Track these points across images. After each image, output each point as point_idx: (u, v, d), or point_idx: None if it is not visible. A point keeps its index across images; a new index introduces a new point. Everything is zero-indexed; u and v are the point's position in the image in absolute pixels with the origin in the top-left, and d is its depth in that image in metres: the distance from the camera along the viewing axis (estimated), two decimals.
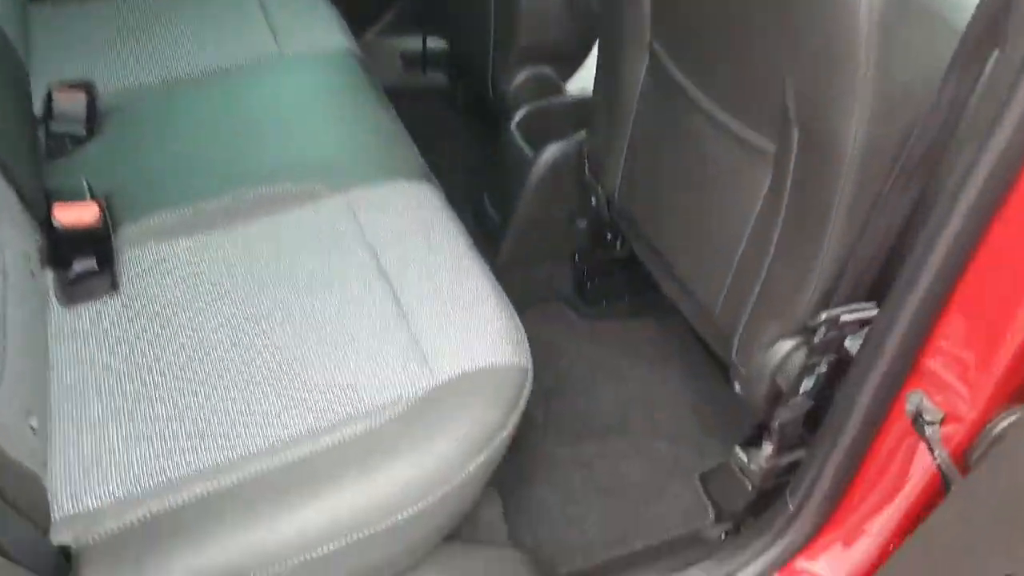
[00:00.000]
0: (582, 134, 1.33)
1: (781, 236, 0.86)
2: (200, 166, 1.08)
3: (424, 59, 1.86)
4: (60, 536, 0.71)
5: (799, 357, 0.89)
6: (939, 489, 0.75)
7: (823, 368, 0.88)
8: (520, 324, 0.93)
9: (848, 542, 0.82)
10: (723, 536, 1.08)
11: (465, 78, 1.83)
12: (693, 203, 1.00)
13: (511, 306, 0.95)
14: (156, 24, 1.32)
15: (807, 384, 0.90)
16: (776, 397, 0.94)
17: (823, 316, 0.82)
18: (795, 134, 0.80)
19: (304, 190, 1.05)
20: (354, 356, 0.85)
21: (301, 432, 0.79)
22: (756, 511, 1.04)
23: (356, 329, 0.88)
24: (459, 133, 1.86)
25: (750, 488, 1.04)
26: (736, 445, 1.06)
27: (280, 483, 0.75)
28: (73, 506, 0.73)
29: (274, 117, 1.17)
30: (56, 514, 0.73)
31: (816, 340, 0.85)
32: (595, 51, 1.40)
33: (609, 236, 1.43)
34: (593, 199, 1.30)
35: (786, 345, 0.91)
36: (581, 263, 1.47)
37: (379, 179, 1.08)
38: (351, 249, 0.98)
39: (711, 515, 1.15)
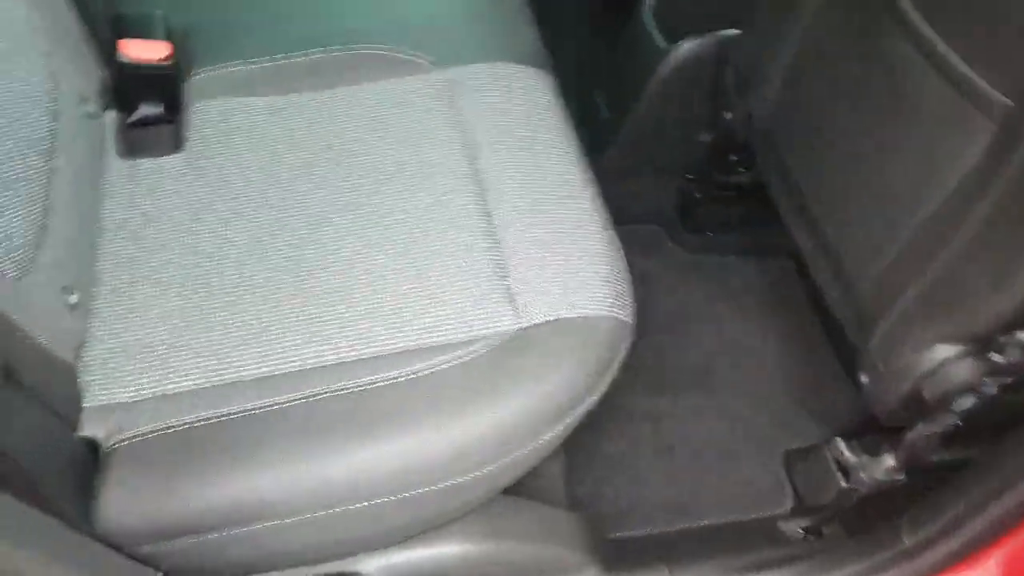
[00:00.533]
0: (728, 32, 1.11)
1: (986, 218, 0.67)
2: (290, 11, 0.92)
3: None
4: (88, 429, 0.62)
5: (962, 370, 0.72)
6: None
7: (991, 391, 0.71)
8: (627, 268, 0.77)
9: None
10: (803, 535, 0.95)
11: None
12: (871, 147, 0.80)
13: (618, 243, 0.79)
14: None
15: (964, 404, 0.73)
16: (914, 405, 0.78)
17: (1020, 336, 0.64)
18: None
19: (401, 58, 0.88)
20: (434, 276, 0.71)
21: (364, 357, 0.66)
22: (846, 519, 0.91)
23: (440, 242, 0.74)
24: (579, 8, 1.63)
25: (845, 487, 0.90)
26: (837, 436, 0.92)
27: (336, 414, 0.64)
28: (107, 397, 0.63)
29: None
30: (86, 403, 0.63)
31: (995, 358, 0.68)
32: None
33: (734, 158, 1.24)
34: (728, 112, 1.10)
35: (947, 351, 0.73)
36: (693, 183, 1.28)
37: (488, 58, 0.90)
38: (445, 139, 0.82)
39: (789, 504, 1.02)
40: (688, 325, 1.22)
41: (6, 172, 0.59)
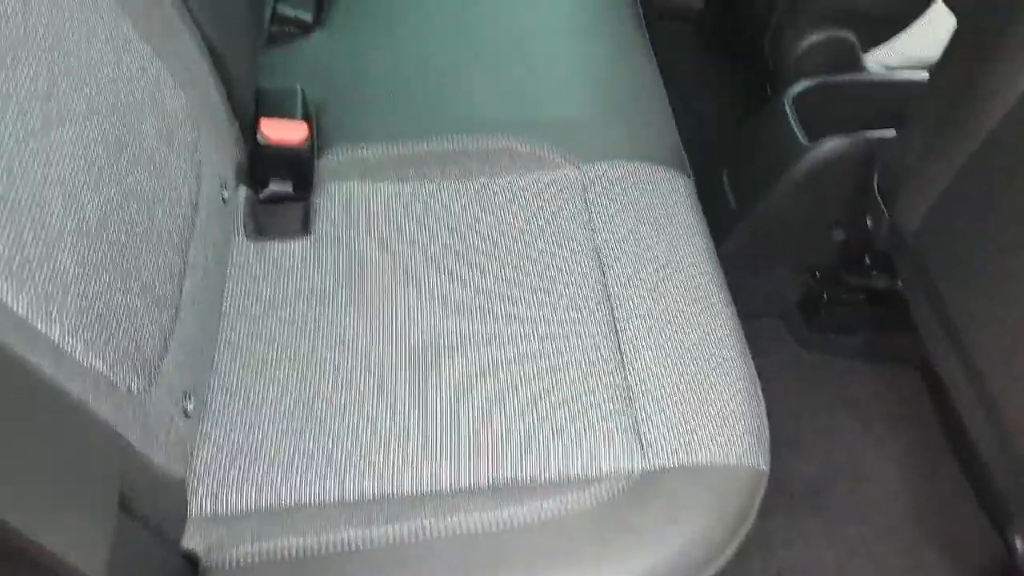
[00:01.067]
0: (879, 133, 1.04)
1: None
2: (423, 90, 0.91)
3: None
4: (190, 541, 0.60)
5: None
6: None
7: None
8: (765, 411, 0.71)
9: None
10: None
11: (729, 7, 1.53)
12: None
13: (758, 382, 0.73)
14: None
15: None
16: None
17: None
18: None
19: (536, 152, 0.85)
20: (561, 398, 0.68)
21: (483, 486, 0.63)
22: None
23: (567, 359, 0.70)
24: (704, 68, 1.58)
25: None
26: None
27: (456, 559, 0.60)
28: (211, 506, 0.62)
29: (519, 43, 0.96)
30: (193, 511, 0.61)
31: None
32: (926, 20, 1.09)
33: (870, 263, 1.17)
34: (869, 220, 1.03)
35: None
36: (821, 282, 1.21)
37: (625, 157, 0.86)
38: (577, 244, 0.79)
39: None
40: (803, 435, 1.14)
41: (144, 276, 0.58)
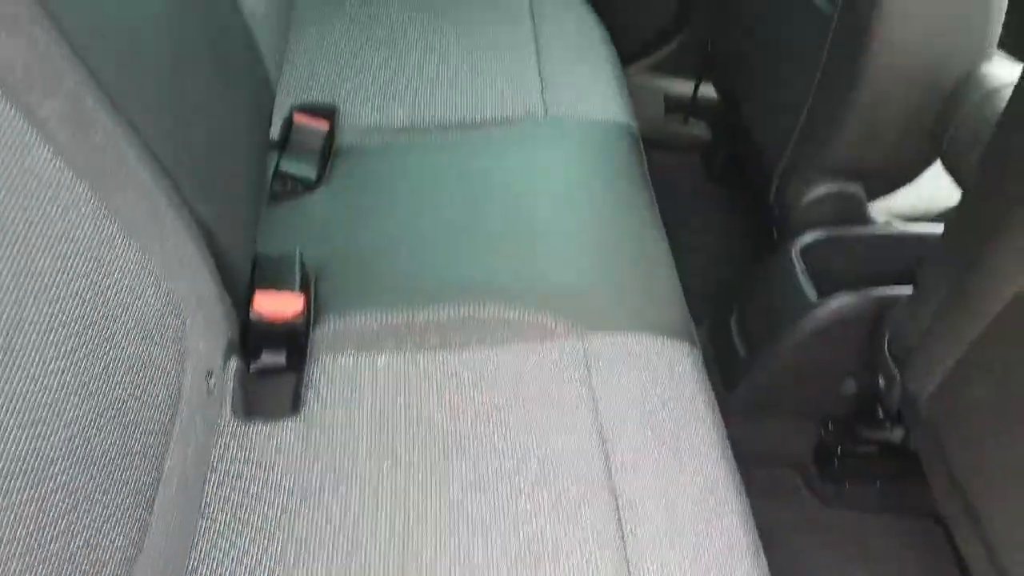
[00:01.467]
0: (890, 291, 1.03)
1: None
2: (424, 253, 0.91)
3: (692, 107, 1.60)
4: None
5: None
6: None
7: None
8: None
9: None
10: None
11: (734, 143, 1.55)
12: None
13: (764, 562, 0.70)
14: (420, 45, 1.16)
15: None
16: None
17: None
18: None
19: (535, 321, 0.84)
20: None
21: None
22: None
23: (566, 564, 0.67)
24: (708, 204, 1.59)
25: None
26: None
27: None
28: None
29: (521, 206, 0.96)
30: None
31: None
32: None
33: (883, 417, 1.13)
34: (881, 378, 1.00)
35: None
36: (834, 433, 1.17)
37: (630, 328, 0.85)
38: (579, 425, 0.77)
39: None
40: None
41: (110, 497, 0.55)
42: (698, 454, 0.76)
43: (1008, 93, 0.76)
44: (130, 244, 0.61)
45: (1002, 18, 0.90)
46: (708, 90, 1.56)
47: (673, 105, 1.63)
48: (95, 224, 0.58)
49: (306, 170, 0.98)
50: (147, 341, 0.62)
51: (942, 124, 0.95)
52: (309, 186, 0.98)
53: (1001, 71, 0.89)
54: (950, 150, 0.94)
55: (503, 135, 1.06)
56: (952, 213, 0.92)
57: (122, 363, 0.58)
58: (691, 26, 1.56)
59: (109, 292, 0.58)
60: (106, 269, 0.58)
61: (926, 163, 1.05)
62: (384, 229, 0.94)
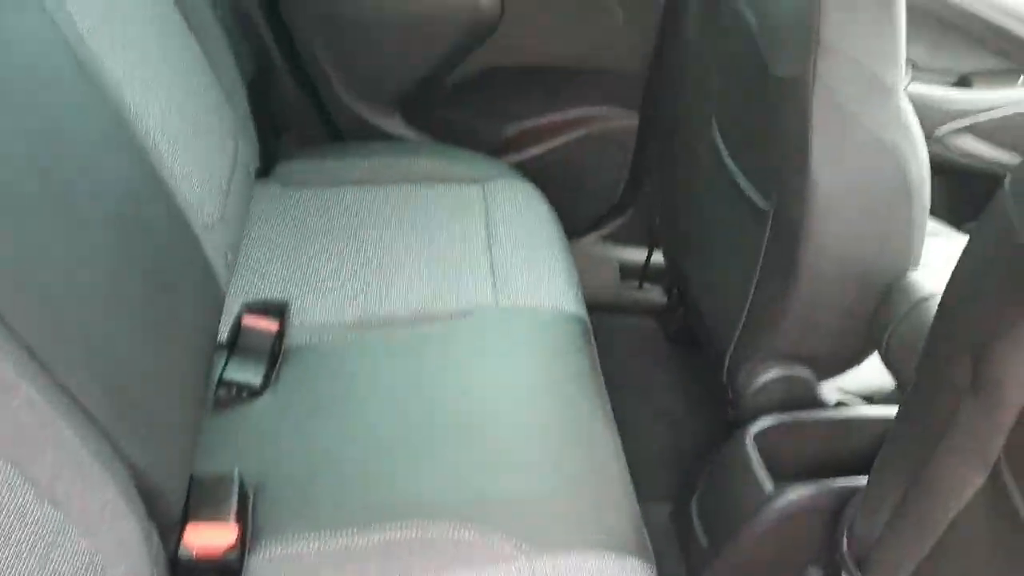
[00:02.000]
0: (848, 482, 1.02)
1: None
2: (368, 469, 0.89)
3: (644, 273, 1.64)
4: None
5: None
6: None
7: None
8: None
9: None
10: None
11: (687, 309, 1.57)
12: None
13: None
14: (371, 239, 1.18)
15: None
16: None
17: None
18: None
19: (483, 541, 0.81)
20: None
21: None
22: None
23: None
24: (669, 367, 1.60)
25: None
26: None
27: None
28: None
29: (472, 413, 0.95)
30: None
31: None
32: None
33: None
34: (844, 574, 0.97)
35: None
36: None
37: (581, 545, 0.83)
38: None
39: None
40: None
41: None
42: None
43: (935, 303, 0.79)
44: (47, 509, 0.59)
45: (924, 233, 0.95)
46: (661, 256, 1.61)
47: (628, 272, 1.68)
48: (10, 492, 0.56)
49: (251, 376, 0.98)
50: None
51: (879, 322, 0.97)
52: (253, 393, 0.97)
53: (927, 282, 0.93)
54: (888, 351, 0.96)
55: (455, 330, 1.07)
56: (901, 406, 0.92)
57: None
58: (638, 204, 1.62)
59: (26, 553, 0.56)
60: (18, 536, 0.56)
61: (868, 351, 1.07)
62: (328, 439, 0.92)
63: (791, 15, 0.90)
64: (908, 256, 0.95)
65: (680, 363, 1.59)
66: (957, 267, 0.74)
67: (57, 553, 0.60)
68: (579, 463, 0.93)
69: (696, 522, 1.16)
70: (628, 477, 0.94)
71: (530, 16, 1.42)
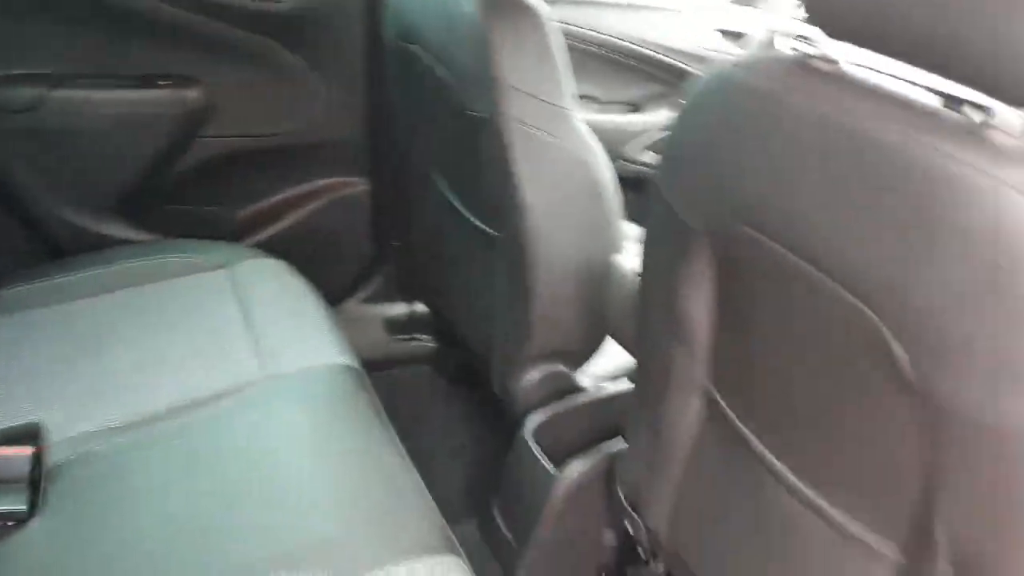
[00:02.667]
0: (609, 445, 1.18)
1: None
2: (169, 559, 0.87)
3: (410, 324, 1.74)
4: None
5: None
6: None
7: None
8: None
9: None
10: None
11: (457, 347, 1.70)
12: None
13: None
14: (118, 342, 1.15)
15: None
16: None
17: None
18: (938, 549, 0.65)
19: None
20: None
21: None
22: None
23: None
24: (452, 405, 1.70)
25: None
26: None
27: None
28: None
29: (258, 475, 0.97)
30: None
31: None
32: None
33: (643, 557, 1.26)
34: (629, 527, 1.12)
35: None
36: None
37: (396, 558, 0.88)
38: None
39: None
40: None
41: None
42: None
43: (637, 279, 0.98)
44: None
45: (620, 222, 1.15)
46: (422, 306, 1.73)
47: (396, 327, 1.77)
48: None
49: (15, 503, 0.92)
50: None
51: (602, 305, 1.16)
52: (23, 519, 0.91)
53: (629, 262, 1.13)
54: (614, 328, 1.15)
55: (227, 409, 1.06)
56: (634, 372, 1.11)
57: None
58: (388, 262, 1.73)
59: None
60: None
61: (604, 334, 1.26)
62: (112, 548, 0.88)
63: (474, 64, 1.07)
64: (612, 243, 1.14)
65: (462, 398, 1.71)
66: (644, 246, 0.93)
67: None
68: (380, 491, 0.98)
69: (500, 523, 1.26)
70: (427, 494, 1.01)
71: (239, 103, 1.49)
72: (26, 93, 1.33)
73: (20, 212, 1.42)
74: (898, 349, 0.59)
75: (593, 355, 1.31)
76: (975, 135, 0.55)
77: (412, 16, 1.25)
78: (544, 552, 1.20)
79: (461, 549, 0.96)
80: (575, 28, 1.82)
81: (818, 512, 0.77)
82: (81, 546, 0.89)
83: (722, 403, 0.89)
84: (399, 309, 1.76)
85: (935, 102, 0.60)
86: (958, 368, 0.56)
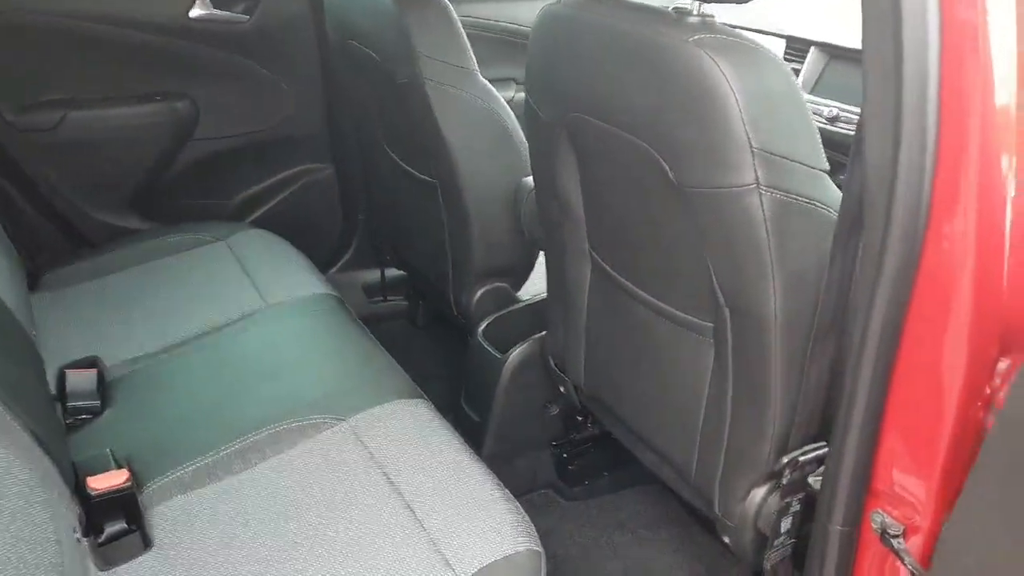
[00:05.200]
0: (543, 334, 1.50)
1: (734, 399, 1.01)
2: (209, 420, 1.19)
3: (384, 288, 2.06)
4: None
5: (773, 501, 1.00)
6: None
7: (796, 507, 0.99)
8: (522, 510, 1.02)
9: None
10: None
11: (425, 299, 2.03)
12: (655, 382, 1.15)
13: (512, 496, 1.04)
14: (148, 297, 1.48)
15: (786, 524, 1.00)
16: (762, 541, 1.04)
17: (784, 460, 0.95)
18: (727, 313, 0.97)
19: (309, 424, 1.15)
20: (383, 572, 0.93)
21: None
22: None
23: (379, 545, 0.96)
24: (426, 348, 2.02)
25: None
26: None
27: None
28: None
29: (269, 363, 1.30)
30: None
31: (784, 482, 0.97)
32: (541, 263, 1.61)
33: (581, 418, 1.57)
34: (562, 388, 1.44)
35: (760, 492, 1.02)
36: (559, 448, 1.58)
37: (376, 402, 1.20)
38: (362, 471, 1.07)
39: None
40: (596, 562, 1.44)
41: None
42: (445, 451, 1.11)
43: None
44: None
45: (526, 153, 1.48)
46: (392, 271, 2.05)
47: (371, 290, 2.09)
48: None
49: (90, 403, 1.23)
50: (26, 514, 0.85)
51: (521, 220, 1.49)
52: (97, 413, 1.23)
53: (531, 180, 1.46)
54: (534, 236, 1.48)
55: (239, 328, 1.40)
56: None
57: None
58: (360, 233, 2.06)
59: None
60: None
61: (531, 262, 1.59)
62: (169, 414, 1.20)
63: (395, 40, 1.40)
64: (520, 169, 1.47)
65: (433, 340, 2.02)
66: (529, 148, 1.26)
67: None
68: (359, 364, 1.31)
69: (466, 408, 1.58)
70: (399, 368, 1.33)
71: (221, 109, 1.82)
72: (51, 115, 1.67)
73: (53, 212, 1.75)
74: (664, 165, 0.92)
75: (530, 272, 1.63)
76: (680, 21, 0.89)
77: (348, 16, 1.58)
78: (502, 422, 1.52)
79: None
80: (497, 22, 2.17)
81: (659, 312, 1.09)
82: (139, 425, 1.20)
83: (598, 258, 1.21)
84: (373, 275, 2.08)
85: (669, 9, 0.93)
86: (689, 162, 0.89)
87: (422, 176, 1.59)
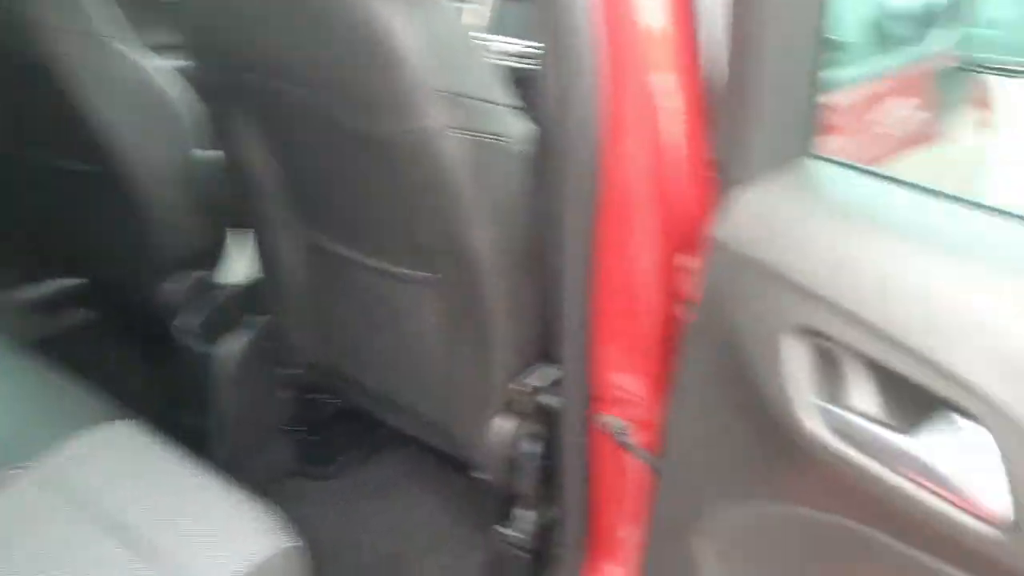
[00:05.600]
0: (255, 318, 1.39)
1: (459, 338, 1.02)
2: None
3: (57, 302, 1.78)
4: None
5: (511, 426, 1.04)
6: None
7: (538, 429, 1.04)
8: (270, 507, 0.95)
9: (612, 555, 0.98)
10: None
11: (113, 305, 1.79)
12: (388, 342, 1.12)
13: (256, 496, 0.97)
14: None
15: (530, 447, 1.05)
16: (512, 469, 1.08)
17: (510, 387, 0.99)
18: (440, 258, 0.97)
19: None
20: None
21: None
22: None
23: None
24: (124, 360, 1.79)
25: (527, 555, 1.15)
26: (494, 526, 1.17)
27: None
28: None
29: None
30: None
31: (516, 408, 1.01)
32: (236, 242, 1.49)
33: (318, 396, 1.50)
34: (291, 369, 1.36)
35: (499, 421, 1.05)
36: (299, 431, 1.50)
37: (69, 436, 1.03)
38: (68, 517, 0.92)
39: None
40: (370, 531, 1.41)
41: None
42: (169, 472, 0.98)
43: None
44: None
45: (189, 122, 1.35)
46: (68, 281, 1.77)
47: (44, 306, 1.79)
48: None
49: None
50: None
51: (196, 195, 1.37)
52: None
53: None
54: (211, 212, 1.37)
55: None
56: None
57: None
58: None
59: None
60: None
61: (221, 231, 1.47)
62: None
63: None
64: (186, 142, 1.33)
65: (132, 353, 1.80)
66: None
67: None
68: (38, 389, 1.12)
69: (183, 415, 1.43)
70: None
71: None
72: None
73: None
74: (348, 118, 0.88)
75: (222, 254, 1.50)
76: None
77: None
78: (226, 423, 1.40)
79: None
80: None
81: (380, 271, 1.06)
82: None
83: (308, 228, 1.14)
84: (40, 290, 1.78)
85: None
86: (372, 112, 0.87)
87: (81, 168, 1.37)
